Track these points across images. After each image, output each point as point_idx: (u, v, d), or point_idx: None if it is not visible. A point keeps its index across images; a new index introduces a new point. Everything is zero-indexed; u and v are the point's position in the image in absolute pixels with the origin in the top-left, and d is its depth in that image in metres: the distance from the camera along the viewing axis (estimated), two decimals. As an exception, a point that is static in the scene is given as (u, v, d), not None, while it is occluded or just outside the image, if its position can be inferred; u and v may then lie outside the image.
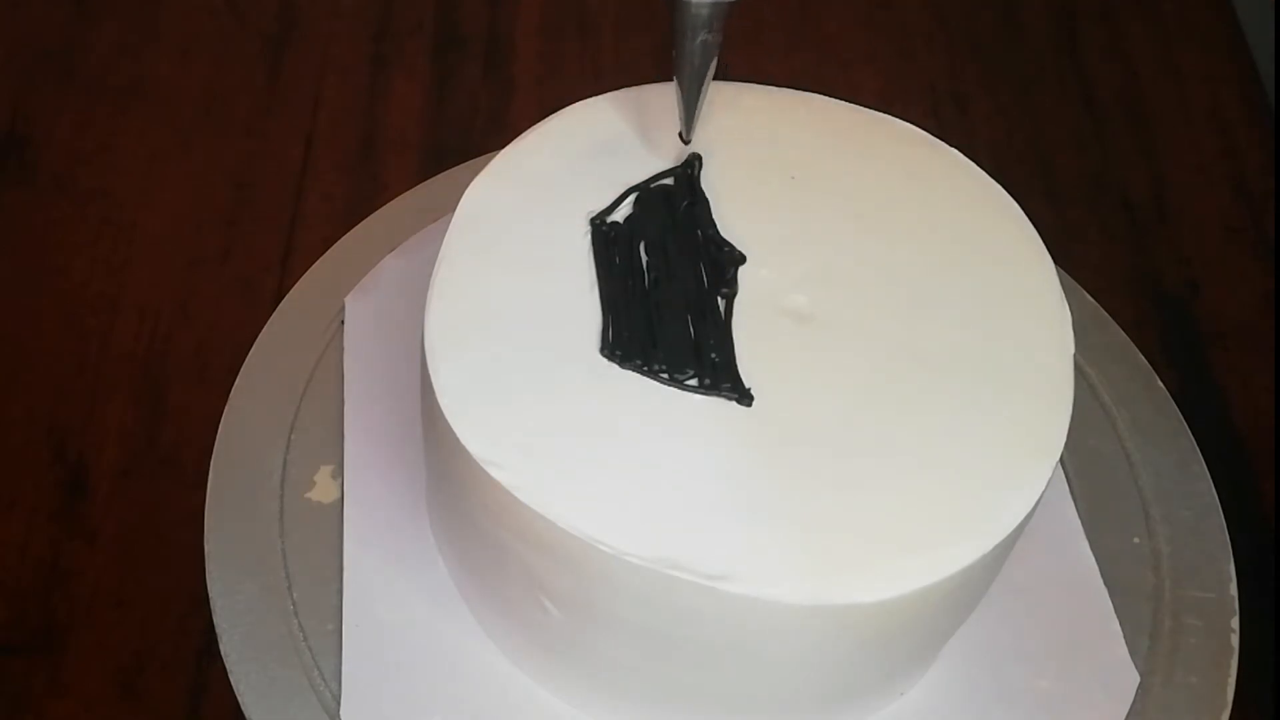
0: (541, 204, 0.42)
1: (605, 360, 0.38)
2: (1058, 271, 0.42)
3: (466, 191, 0.42)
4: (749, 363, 0.38)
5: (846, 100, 0.46)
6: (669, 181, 0.42)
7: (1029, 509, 0.37)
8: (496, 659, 0.42)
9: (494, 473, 0.35)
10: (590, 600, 0.37)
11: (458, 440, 0.36)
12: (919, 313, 0.40)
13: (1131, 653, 0.44)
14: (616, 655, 0.38)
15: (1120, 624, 0.44)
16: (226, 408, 0.47)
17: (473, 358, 0.38)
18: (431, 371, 0.37)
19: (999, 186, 0.44)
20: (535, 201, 0.42)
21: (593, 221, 0.41)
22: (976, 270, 0.41)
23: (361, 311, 0.49)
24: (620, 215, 0.41)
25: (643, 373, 0.38)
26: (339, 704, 0.41)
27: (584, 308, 0.39)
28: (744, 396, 0.37)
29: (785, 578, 0.35)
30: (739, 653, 0.37)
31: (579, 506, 0.35)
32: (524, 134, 0.43)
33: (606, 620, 0.37)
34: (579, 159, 0.43)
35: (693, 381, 0.38)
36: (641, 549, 0.35)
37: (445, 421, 0.37)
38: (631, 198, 0.42)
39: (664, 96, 0.43)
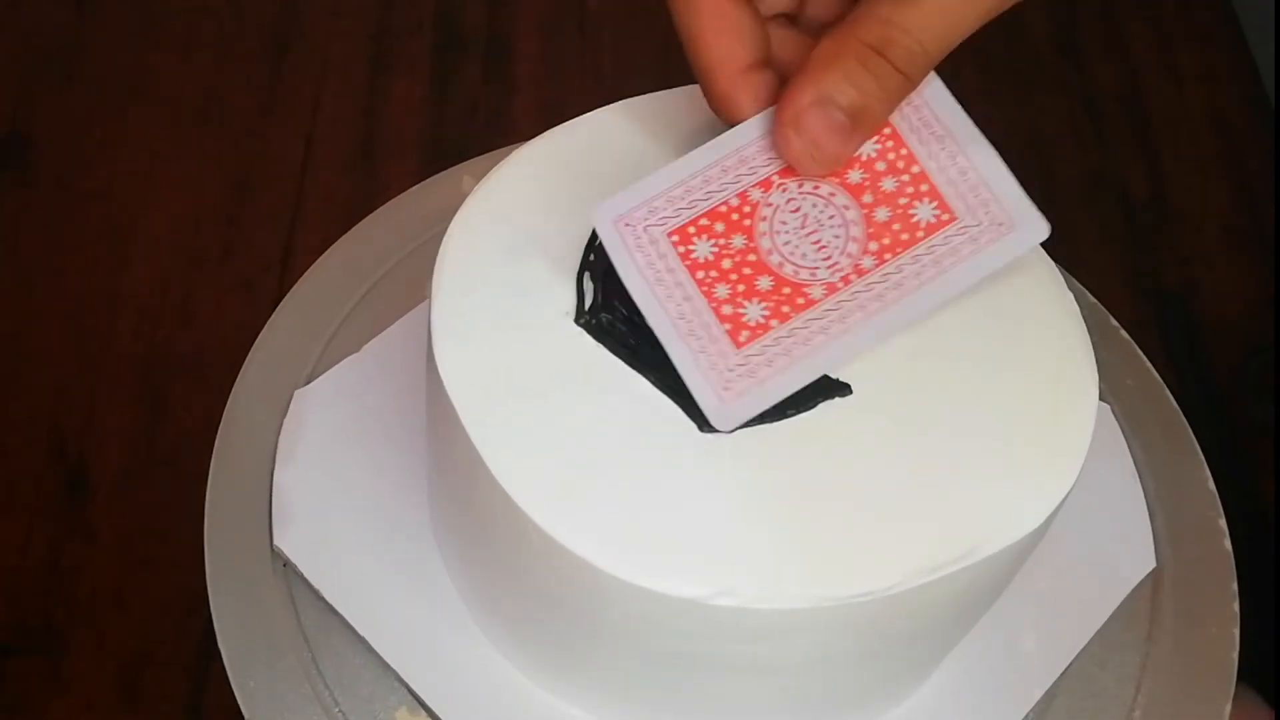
0: (530, 235, 0.40)
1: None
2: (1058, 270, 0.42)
3: (453, 224, 0.40)
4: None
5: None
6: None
7: (1046, 517, 0.37)
8: (500, 661, 0.43)
9: (531, 514, 0.34)
10: (598, 620, 0.37)
11: (489, 472, 0.35)
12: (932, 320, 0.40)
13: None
14: (638, 676, 0.38)
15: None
16: (226, 408, 0.47)
17: (489, 375, 0.37)
18: (439, 360, 0.37)
19: None
20: (524, 231, 0.40)
21: (578, 322, 0.37)
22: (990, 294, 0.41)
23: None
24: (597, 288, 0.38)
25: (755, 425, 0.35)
26: (339, 704, 0.41)
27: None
28: (844, 390, 0.36)
29: (799, 582, 0.34)
30: (771, 665, 0.37)
31: (589, 533, 0.35)
32: (505, 160, 0.42)
33: (619, 641, 0.37)
34: (560, 192, 0.41)
35: (791, 411, 0.35)
36: (658, 578, 0.34)
37: (468, 440, 0.36)
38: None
39: (657, 106, 0.42)
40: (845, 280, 0.34)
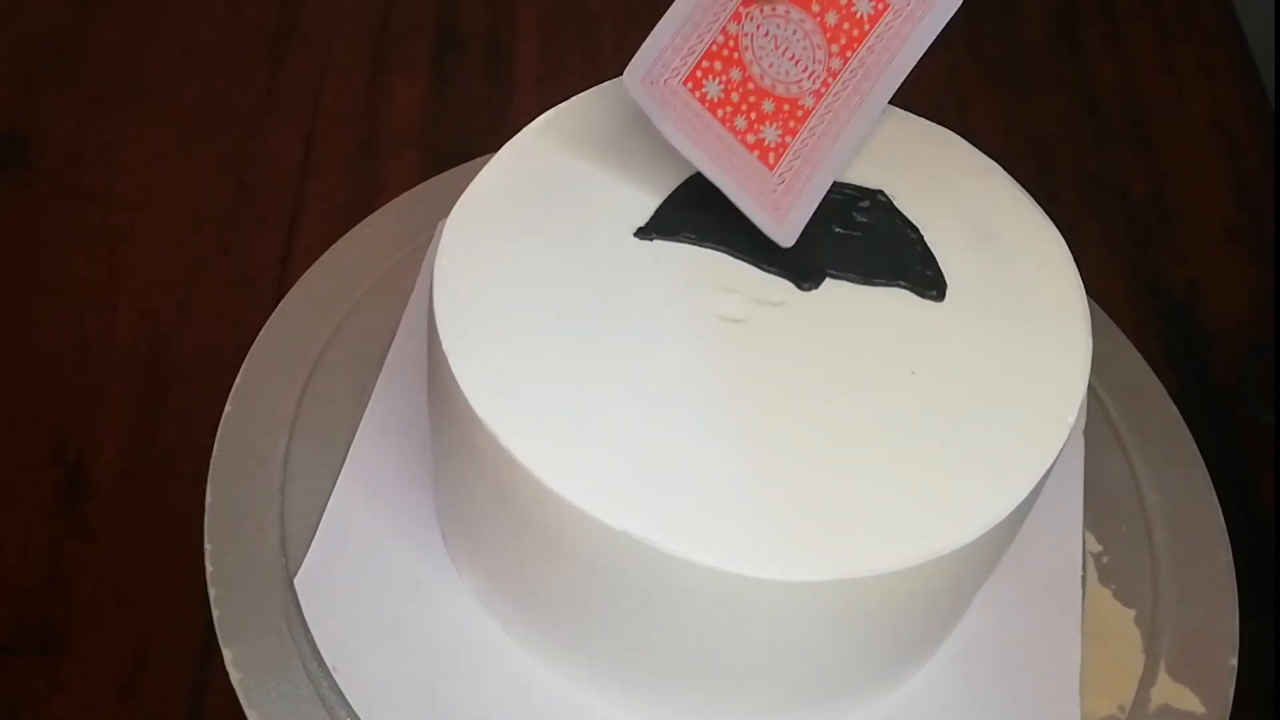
0: (549, 191, 0.42)
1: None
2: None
3: (473, 182, 0.42)
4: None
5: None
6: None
7: (1033, 486, 0.37)
8: (488, 623, 0.43)
9: (522, 460, 0.35)
10: (592, 578, 0.37)
11: (476, 417, 0.36)
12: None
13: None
14: (633, 642, 0.39)
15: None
16: (226, 408, 0.47)
17: (483, 321, 0.38)
18: (440, 328, 0.38)
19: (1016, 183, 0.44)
20: (543, 190, 0.42)
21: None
22: (993, 261, 0.42)
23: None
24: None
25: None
26: (338, 699, 0.41)
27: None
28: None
29: (793, 557, 0.35)
30: (749, 633, 0.37)
31: (580, 481, 0.35)
32: (532, 124, 0.44)
33: (613, 600, 0.37)
34: (587, 148, 0.43)
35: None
36: (646, 530, 0.35)
37: (457, 387, 0.37)
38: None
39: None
40: (825, 84, 0.39)
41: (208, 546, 0.44)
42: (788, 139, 0.39)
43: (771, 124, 0.39)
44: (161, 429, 0.66)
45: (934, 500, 0.36)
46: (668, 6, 0.40)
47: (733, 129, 0.39)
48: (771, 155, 0.39)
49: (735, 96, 0.39)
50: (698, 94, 0.39)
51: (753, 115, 0.39)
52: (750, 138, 0.39)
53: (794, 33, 0.39)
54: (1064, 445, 0.38)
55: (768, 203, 0.39)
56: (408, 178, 0.71)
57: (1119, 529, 0.47)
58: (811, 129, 0.39)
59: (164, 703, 0.58)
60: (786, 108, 0.39)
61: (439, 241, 0.40)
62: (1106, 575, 0.46)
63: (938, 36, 0.41)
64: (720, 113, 0.39)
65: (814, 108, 0.39)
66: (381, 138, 0.79)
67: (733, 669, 0.39)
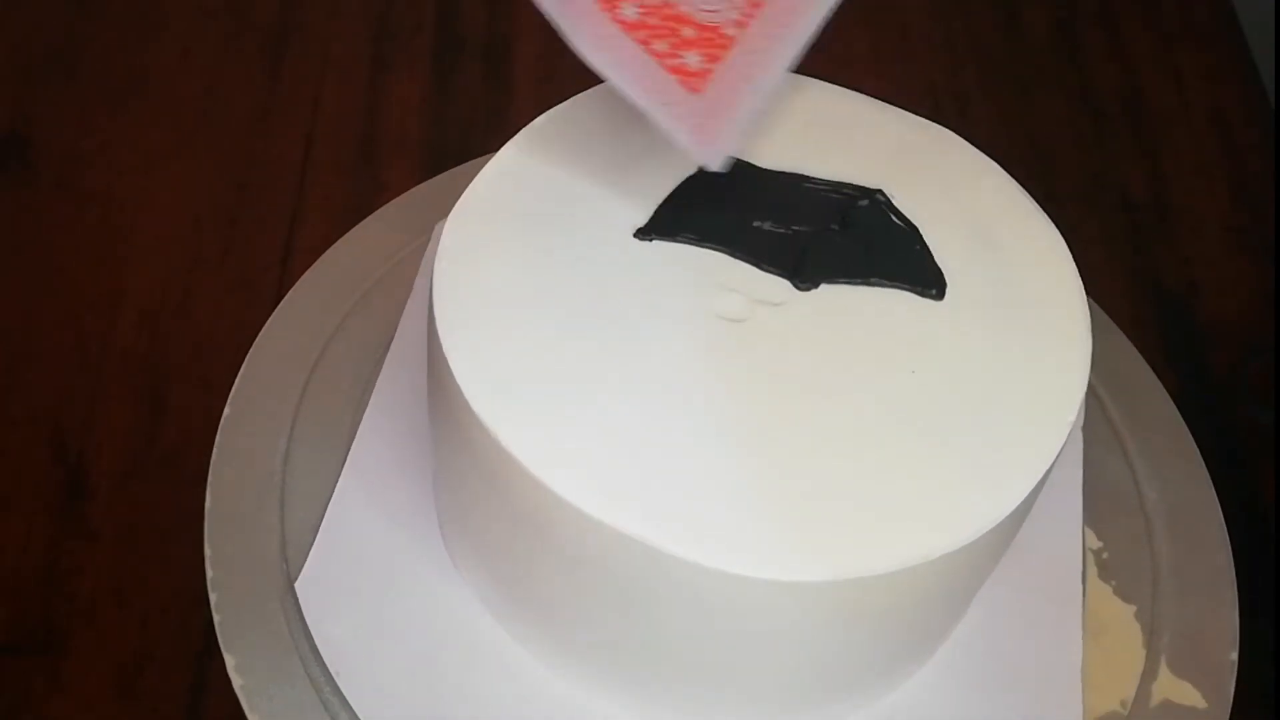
0: (549, 191, 0.42)
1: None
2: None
3: (467, 189, 0.42)
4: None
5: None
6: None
7: (1033, 485, 0.37)
8: (490, 625, 0.43)
9: (518, 455, 0.36)
10: (587, 574, 0.37)
11: (472, 412, 0.36)
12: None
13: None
14: (621, 633, 0.39)
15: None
16: (226, 408, 0.47)
17: (481, 322, 0.38)
18: (439, 328, 0.38)
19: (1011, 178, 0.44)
20: (543, 190, 0.42)
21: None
22: (993, 261, 0.42)
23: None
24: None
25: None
26: (341, 703, 0.41)
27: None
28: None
29: (793, 557, 0.35)
30: (749, 634, 0.37)
31: (579, 479, 0.35)
32: (525, 129, 0.44)
33: (605, 595, 0.37)
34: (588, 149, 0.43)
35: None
36: (646, 530, 0.35)
37: (451, 374, 0.37)
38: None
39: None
40: (748, 15, 0.38)
41: (207, 551, 0.44)
42: (712, 65, 0.38)
43: (692, 50, 0.38)
44: (161, 429, 0.66)
45: (934, 500, 0.36)
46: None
47: (652, 52, 0.38)
48: (695, 80, 0.38)
49: (654, 20, 0.38)
50: (612, 14, 0.39)
51: (673, 40, 0.38)
52: (671, 62, 0.38)
53: None
54: (1064, 445, 0.38)
55: (694, 126, 0.38)
56: (408, 178, 0.71)
57: (1118, 525, 0.47)
58: (737, 57, 0.38)
59: (164, 703, 0.58)
60: (708, 35, 0.38)
61: (438, 241, 0.40)
62: (1106, 571, 0.46)
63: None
64: (637, 35, 0.38)
65: (736, 36, 0.38)
66: (381, 138, 0.79)
67: (732, 669, 0.39)
